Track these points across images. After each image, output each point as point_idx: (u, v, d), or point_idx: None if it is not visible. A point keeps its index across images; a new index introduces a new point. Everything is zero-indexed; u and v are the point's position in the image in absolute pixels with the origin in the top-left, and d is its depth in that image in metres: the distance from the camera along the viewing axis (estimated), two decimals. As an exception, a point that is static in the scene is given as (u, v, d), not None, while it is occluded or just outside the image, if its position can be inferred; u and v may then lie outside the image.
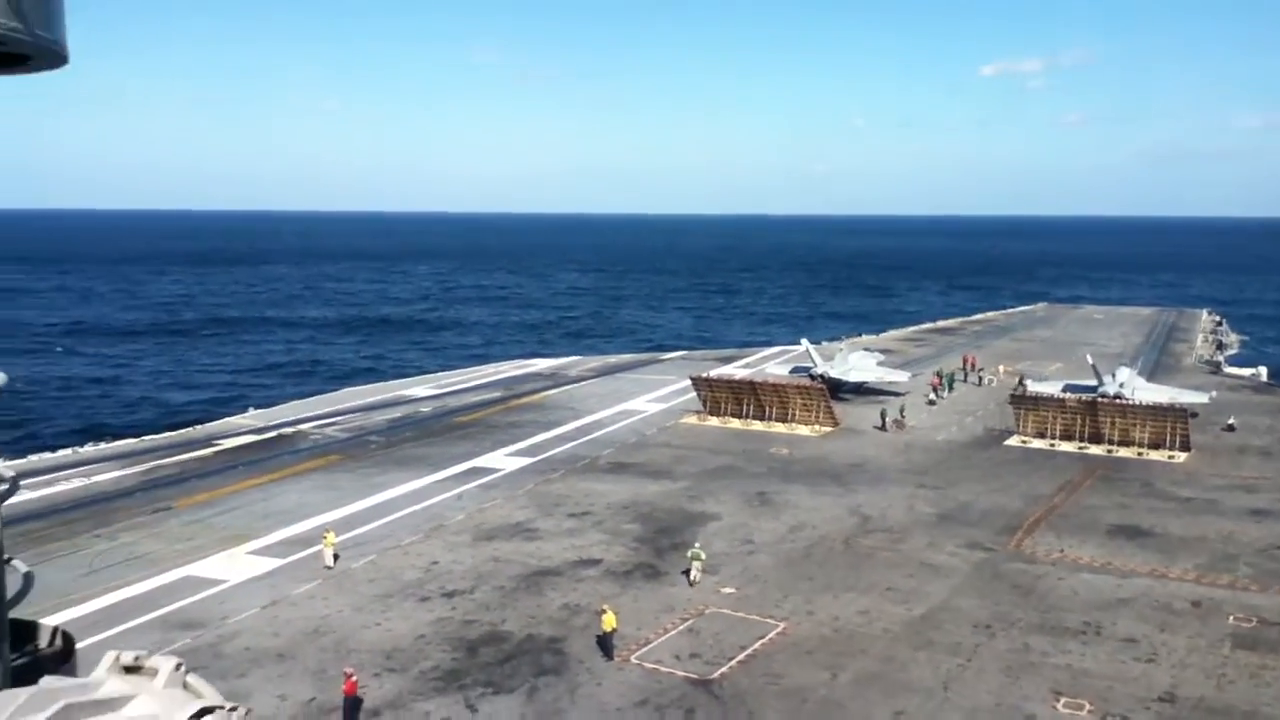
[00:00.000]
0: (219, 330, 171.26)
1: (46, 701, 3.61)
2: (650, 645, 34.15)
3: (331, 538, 42.54)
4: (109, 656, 3.94)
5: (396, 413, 74.43)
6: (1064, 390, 72.73)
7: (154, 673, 3.97)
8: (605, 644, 33.38)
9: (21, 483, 9.21)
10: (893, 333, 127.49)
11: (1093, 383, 72.82)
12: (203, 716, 3.89)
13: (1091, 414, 64.13)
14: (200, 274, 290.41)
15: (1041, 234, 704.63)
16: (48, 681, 3.83)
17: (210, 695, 3.95)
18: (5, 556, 8.04)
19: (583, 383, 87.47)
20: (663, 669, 32.37)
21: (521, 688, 31.17)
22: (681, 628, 35.68)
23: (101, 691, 3.85)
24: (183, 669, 4.02)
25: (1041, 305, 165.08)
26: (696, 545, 41.43)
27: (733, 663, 32.79)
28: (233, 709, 3.95)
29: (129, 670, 3.97)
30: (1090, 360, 76.70)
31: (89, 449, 63.74)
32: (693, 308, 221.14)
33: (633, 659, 33.08)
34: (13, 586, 8.17)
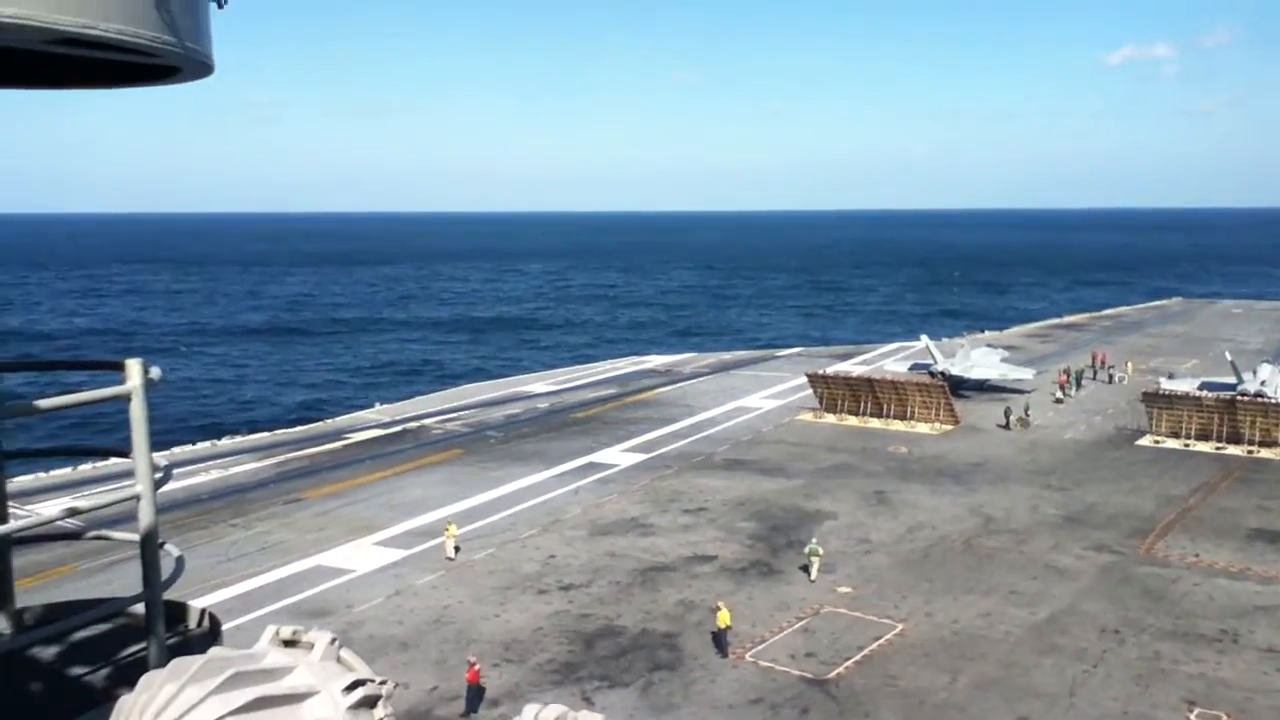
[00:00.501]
0: (337, 329, 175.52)
1: (219, 668, 3.93)
2: (765, 643, 34.09)
3: (453, 530, 43.66)
4: (269, 631, 4.26)
5: (514, 408, 75.80)
6: (1200, 388, 69.64)
7: (310, 646, 4.27)
8: (720, 641, 33.47)
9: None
10: (1017, 329, 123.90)
11: (1231, 380, 69.55)
12: (355, 688, 4.17)
13: (1230, 413, 61.30)
14: (322, 274, 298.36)
15: (1174, 226, 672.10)
16: (217, 651, 4.16)
17: (361, 669, 4.23)
18: (159, 541, 8.60)
19: (697, 379, 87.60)
20: (778, 667, 32.28)
21: (636, 682, 31.48)
22: (797, 626, 35.51)
23: (265, 662, 4.16)
24: (337, 644, 4.30)
25: (1176, 300, 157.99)
26: (814, 541, 41.29)
27: (849, 663, 32.50)
28: (382, 682, 4.22)
29: (288, 644, 4.28)
30: (1229, 357, 73.24)
31: (226, 442, 66.75)
32: (803, 305, 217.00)
33: (747, 656, 33.09)
34: (166, 570, 8.73)
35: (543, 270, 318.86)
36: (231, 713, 3.82)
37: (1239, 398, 63.24)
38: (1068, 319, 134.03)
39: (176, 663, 4.01)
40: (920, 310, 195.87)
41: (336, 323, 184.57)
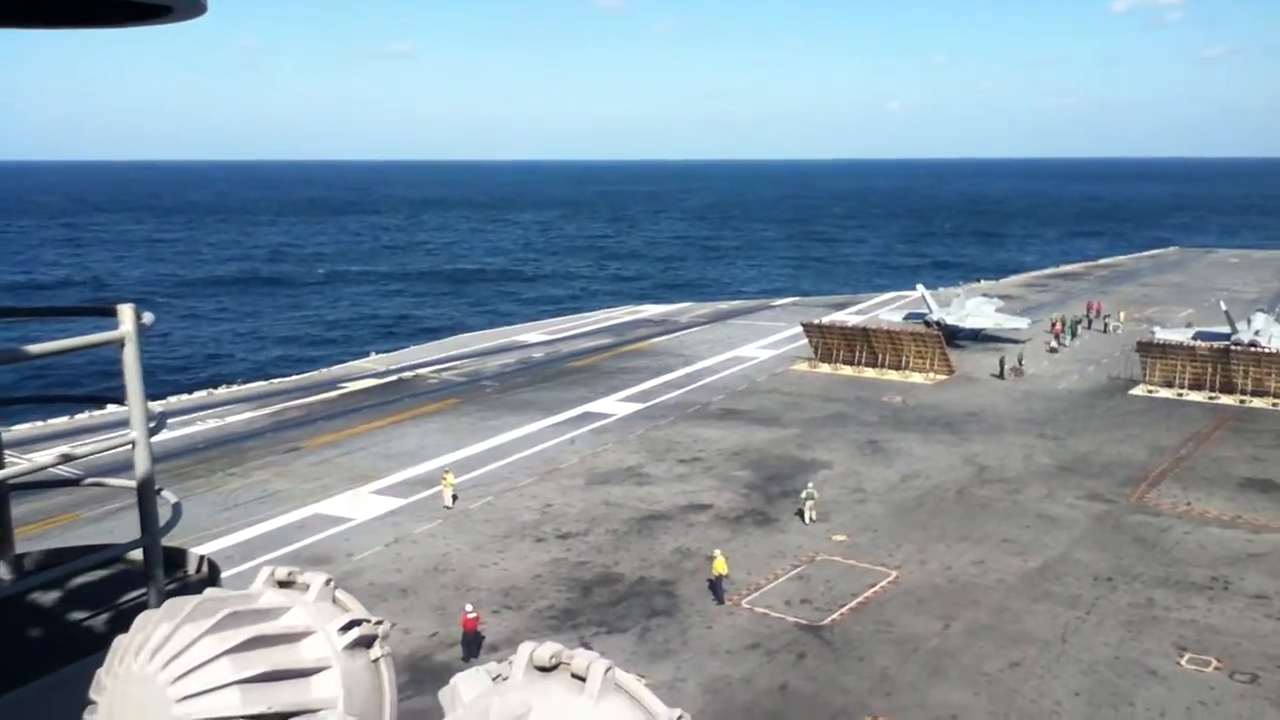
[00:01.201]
0: (322, 280, 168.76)
1: (214, 608, 3.95)
2: (761, 590, 34.41)
3: (450, 478, 43.85)
4: (264, 572, 4.27)
5: (510, 358, 75.81)
6: (1194, 337, 69.70)
7: (306, 587, 4.29)
8: (716, 588, 33.76)
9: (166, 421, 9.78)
10: (1013, 278, 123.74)
11: (1225, 329, 69.62)
12: (350, 628, 4.19)
13: (1223, 362, 61.43)
14: (305, 223, 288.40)
15: (1173, 177, 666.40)
16: (212, 592, 4.17)
17: (357, 609, 4.25)
18: (156, 488, 8.59)
19: (693, 329, 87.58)
20: (773, 614, 32.61)
21: (634, 628, 31.82)
22: (792, 574, 35.83)
23: (260, 602, 4.18)
24: (332, 584, 4.31)
25: (1173, 249, 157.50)
26: (809, 485, 41.65)
27: (844, 609, 32.83)
28: (378, 623, 4.24)
29: (283, 585, 4.30)
30: (1223, 306, 73.22)
31: (222, 391, 66.79)
32: (795, 257, 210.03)
33: (743, 603, 33.41)
34: (163, 517, 8.73)
35: (534, 220, 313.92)
36: (227, 652, 3.83)
37: (1233, 347, 63.32)
38: (1064, 268, 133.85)
39: (171, 603, 4.02)
40: (911, 263, 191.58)
41: (321, 274, 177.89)
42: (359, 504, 43.58)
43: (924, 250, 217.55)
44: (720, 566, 33.79)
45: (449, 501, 42.91)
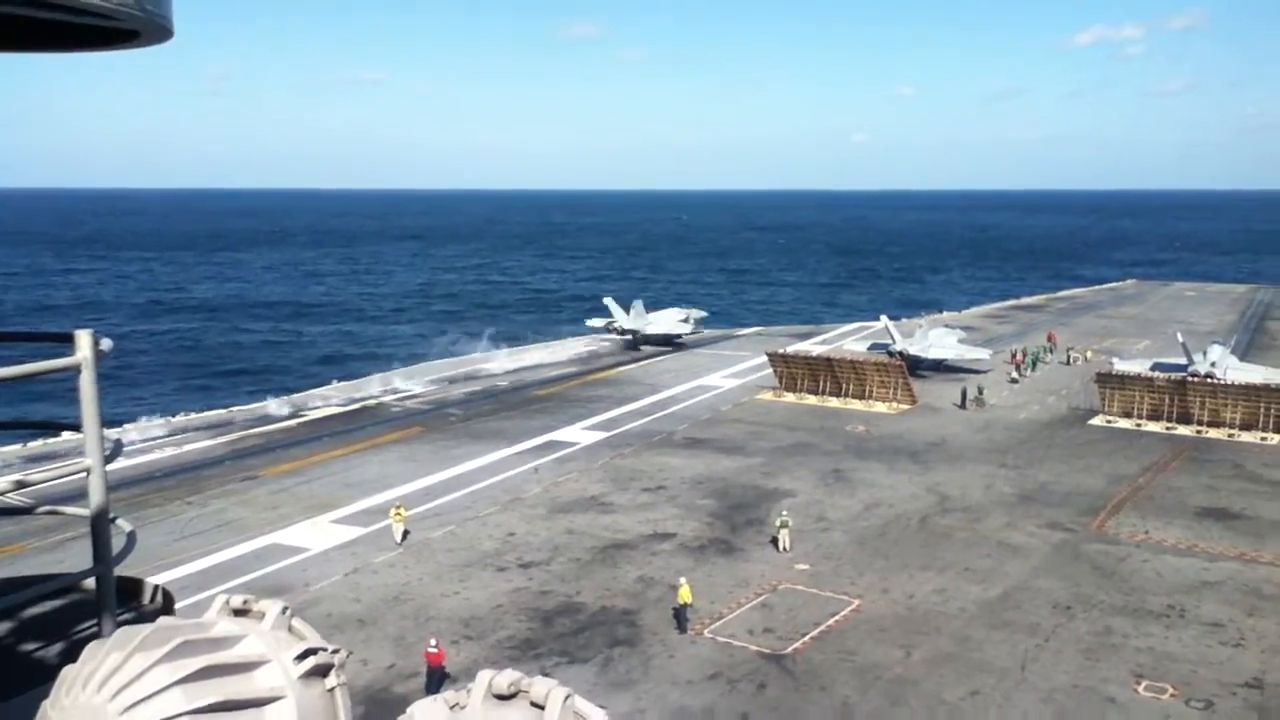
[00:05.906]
0: (281, 311, 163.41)
1: (166, 637, 3.90)
2: (724, 619, 34.34)
3: (402, 512, 42.51)
4: (219, 600, 4.22)
5: (475, 386, 75.50)
6: (1152, 369, 70.77)
7: (261, 615, 4.25)
8: (680, 617, 33.64)
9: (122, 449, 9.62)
10: (975, 310, 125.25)
11: (1182, 361, 70.74)
12: (306, 657, 4.16)
13: (1180, 393, 62.41)
14: (253, 254, 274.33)
15: (1132, 211, 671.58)
16: (165, 620, 4.12)
17: (313, 638, 4.22)
18: (111, 516, 8.47)
19: (658, 358, 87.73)
20: (736, 643, 32.54)
21: (595, 658, 31.61)
22: (755, 603, 35.81)
23: (214, 631, 4.14)
24: (288, 612, 4.28)
25: (1130, 282, 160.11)
26: (784, 514, 42.02)
27: (806, 638, 32.83)
28: (334, 651, 4.20)
29: (238, 613, 4.25)
30: (1180, 338, 74.44)
31: (180, 419, 65.88)
32: (741, 295, 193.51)
33: (706, 633, 33.32)
34: (117, 545, 8.60)
35: (462, 251, 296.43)
36: (178, 682, 3.78)
37: (1189, 378, 64.35)
38: (1025, 300, 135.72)
39: (122, 632, 3.96)
40: (843, 307, 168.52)
41: (282, 303, 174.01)
42: (318, 533, 43.07)
43: (840, 298, 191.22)
44: (685, 595, 33.71)
45: (399, 537, 41.72)
